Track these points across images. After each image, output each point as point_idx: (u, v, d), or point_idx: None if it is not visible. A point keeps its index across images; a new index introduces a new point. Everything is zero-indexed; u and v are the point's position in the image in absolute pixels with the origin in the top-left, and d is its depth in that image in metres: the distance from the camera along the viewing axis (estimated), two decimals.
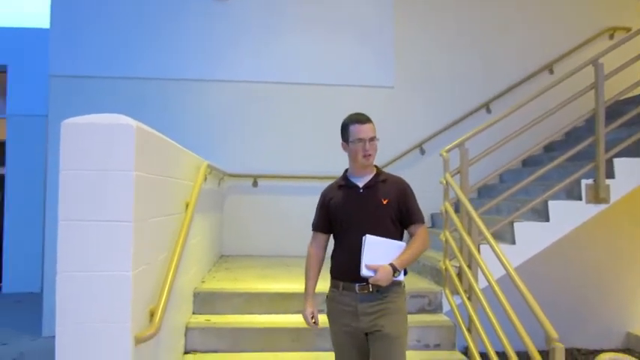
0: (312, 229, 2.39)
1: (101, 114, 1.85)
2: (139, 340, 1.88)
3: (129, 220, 1.81)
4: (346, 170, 2.35)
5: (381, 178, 2.25)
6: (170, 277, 2.28)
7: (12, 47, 7.45)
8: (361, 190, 2.22)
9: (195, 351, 3.04)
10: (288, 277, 4.07)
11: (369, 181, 2.24)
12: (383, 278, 2.04)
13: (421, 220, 2.25)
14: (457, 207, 3.87)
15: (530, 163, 5.24)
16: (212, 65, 5.52)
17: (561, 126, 4.15)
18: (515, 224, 3.72)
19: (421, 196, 5.30)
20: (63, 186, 1.79)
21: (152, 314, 2.10)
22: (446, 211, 3.57)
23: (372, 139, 2.20)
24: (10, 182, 7.48)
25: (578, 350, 5.32)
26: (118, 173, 1.80)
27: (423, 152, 5.57)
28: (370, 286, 2.10)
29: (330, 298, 2.26)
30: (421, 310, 3.50)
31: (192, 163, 3.20)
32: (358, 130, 2.19)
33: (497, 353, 2.80)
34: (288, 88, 5.58)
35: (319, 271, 2.35)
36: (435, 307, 3.51)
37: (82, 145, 1.80)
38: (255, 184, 5.42)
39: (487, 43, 5.85)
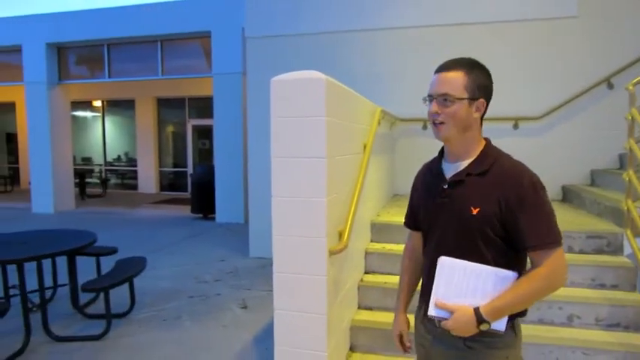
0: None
1: (299, 71, 2.28)
2: (332, 253, 2.36)
3: (323, 156, 2.25)
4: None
5: (480, 169, 1.41)
6: (353, 205, 2.72)
7: (214, 14, 8.69)
8: (445, 186, 1.46)
9: (373, 272, 3.54)
10: None
11: (461, 170, 1.44)
12: (457, 327, 1.36)
13: (547, 243, 1.34)
14: None
15: None
16: (380, 14, 5.72)
17: None
18: None
19: (607, 135, 4.91)
20: (274, 130, 2.30)
21: (340, 235, 2.58)
22: (630, 150, 3.31)
23: (444, 96, 1.39)
24: (217, 131, 8.97)
25: None
26: (313, 119, 2.24)
27: (611, 87, 5.01)
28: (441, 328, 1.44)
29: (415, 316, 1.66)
30: (599, 251, 3.39)
31: (367, 109, 3.55)
32: (431, 83, 1.46)
33: None
34: (458, 29, 5.49)
35: (416, 278, 1.73)
36: (614, 249, 3.36)
37: (286, 97, 2.28)
38: (424, 127, 5.60)
39: None
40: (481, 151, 1.44)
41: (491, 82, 1.45)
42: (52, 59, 10.11)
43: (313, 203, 2.28)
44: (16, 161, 15.40)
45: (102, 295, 4.10)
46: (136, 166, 14.18)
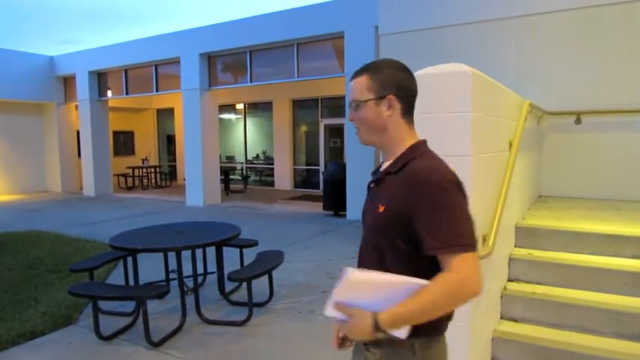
0: None
1: (443, 64, 2.17)
2: None
3: (468, 154, 2.10)
4: None
5: (395, 167, 1.36)
6: (499, 207, 2.51)
7: (348, 15, 8.82)
8: (372, 185, 1.47)
9: (518, 280, 3.25)
10: (618, 219, 3.72)
11: (382, 170, 1.43)
12: (352, 330, 1.28)
13: (452, 246, 1.21)
14: None
15: None
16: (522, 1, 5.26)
17: None
18: None
19: None
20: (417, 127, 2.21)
21: (485, 239, 2.40)
22: None
23: (352, 102, 1.41)
24: (349, 130, 9.09)
25: None
26: (458, 114, 2.11)
27: None
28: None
29: None
30: None
31: (514, 102, 3.27)
32: None
33: None
34: (616, 9, 4.80)
35: None
36: None
37: (428, 93, 2.17)
38: (578, 121, 5.01)
39: None
40: (404, 151, 1.37)
41: (407, 78, 1.38)
42: (204, 68, 11.21)
43: None
44: (174, 160, 17.43)
45: (244, 284, 4.40)
46: (272, 164, 15.08)
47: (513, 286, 3.17)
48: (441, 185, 1.25)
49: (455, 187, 1.27)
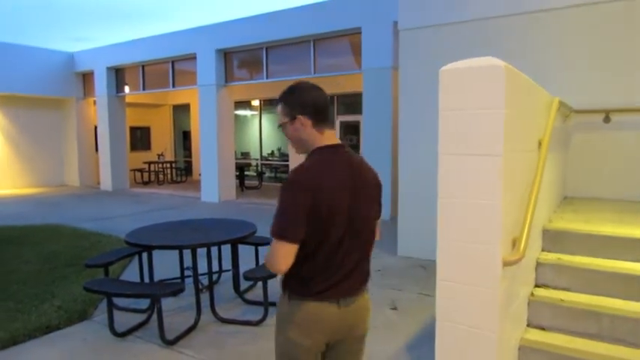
0: None
1: (473, 58, 2.04)
2: (505, 263, 2.09)
3: (499, 154, 1.98)
4: None
5: None
6: (530, 210, 2.38)
7: (365, 10, 8.68)
8: None
9: (546, 285, 3.10)
10: None
11: None
12: None
13: (271, 231, 1.64)
14: None
15: None
16: None
17: None
18: None
19: None
20: (442, 124, 2.10)
21: (514, 243, 2.27)
22: None
23: (281, 127, 1.79)
24: (365, 127, 8.96)
25: None
26: (490, 111, 1.98)
27: None
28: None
29: None
30: None
31: (543, 100, 3.13)
32: None
33: None
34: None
35: None
36: None
37: (458, 88, 2.06)
38: (607, 119, 4.81)
39: None
40: (307, 155, 1.74)
41: (311, 97, 1.70)
42: (220, 64, 11.17)
43: (486, 206, 2.03)
44: (190, 155, 17.47)
45: (260, 282, 4.33)
46: (287, 160, 15.01)
47: (541, 292, 3.03)
48: (285, 184, 1.64)
49: (292, 186, 1.63)
